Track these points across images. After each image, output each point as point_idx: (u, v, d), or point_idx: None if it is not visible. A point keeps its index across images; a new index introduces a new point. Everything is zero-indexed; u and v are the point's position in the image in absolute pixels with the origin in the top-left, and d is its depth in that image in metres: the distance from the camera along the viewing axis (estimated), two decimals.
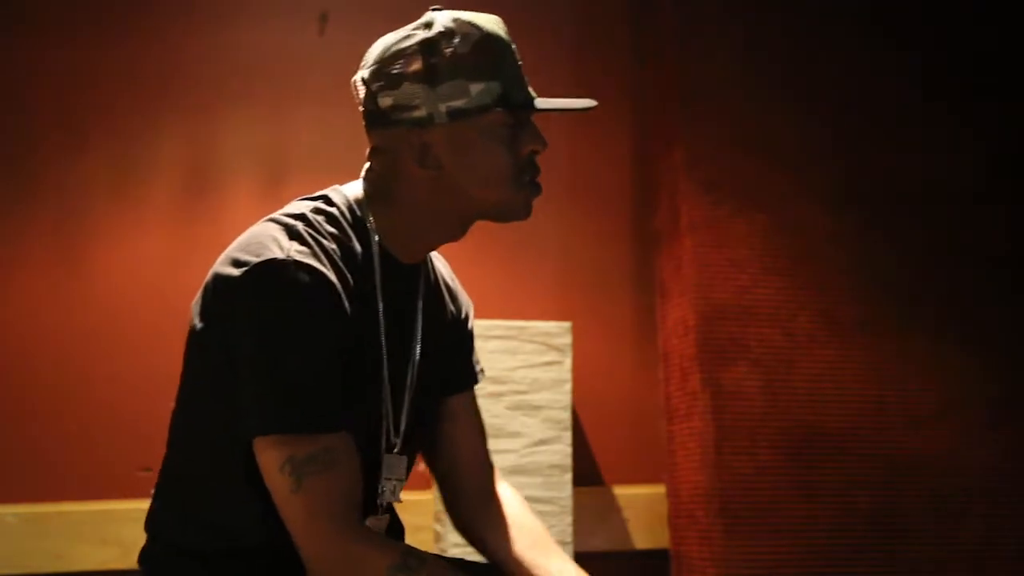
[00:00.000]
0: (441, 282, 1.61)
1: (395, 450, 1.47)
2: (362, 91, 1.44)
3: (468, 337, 1.65)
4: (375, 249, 1.43)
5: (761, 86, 2.97)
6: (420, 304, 1.51)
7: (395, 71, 1.40)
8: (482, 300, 2.94)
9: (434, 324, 1.54)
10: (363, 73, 1.44)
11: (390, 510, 1.52)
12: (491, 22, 1.43)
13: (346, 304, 1.36)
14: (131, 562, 2.59)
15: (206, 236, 2.85)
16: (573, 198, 3.07)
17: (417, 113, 1.39)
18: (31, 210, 2.79)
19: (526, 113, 1.45)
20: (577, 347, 2.81)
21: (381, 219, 1.44)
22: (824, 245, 2.93)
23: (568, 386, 2.74)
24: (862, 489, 2.80)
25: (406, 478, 1.53)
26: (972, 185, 3.05)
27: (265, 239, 1.35)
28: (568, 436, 2.71)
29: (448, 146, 1.40)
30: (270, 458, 1.31)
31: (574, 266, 3.06)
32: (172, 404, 1.47)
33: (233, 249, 1.38)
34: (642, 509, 2.95)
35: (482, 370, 1.68)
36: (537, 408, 2.70)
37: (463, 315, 1.64)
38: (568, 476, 2.70)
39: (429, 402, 1.56)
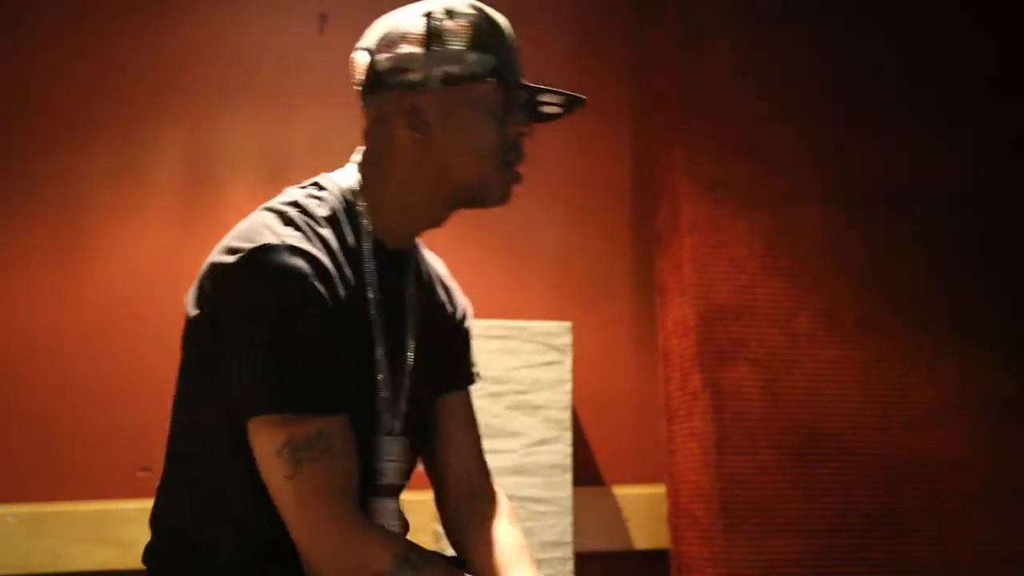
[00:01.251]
0: (435, 277, 1.62)
1: (394, 432, 1.47)
2: (362, 61, 1.46)
3: (465, 337, 1.66)
4: (365, 233, 1.45)
5: (761, 86, 2.97)
6: (411, 290, 1.52)
7: (395, 36, 1.44)
8: (482, 300, 2.94)
9: (426, 313, 1.55)
10: (363, 42, 1.47)
11: (394, 494, 1.51)
12: (498, 13, 1.48)
13: (339, 288, 1.37)
14: (131, 562, 2.61)
15: (206, 235, 2.83)
16: (573, 198, 3.08)
17: (412, 76, 1.42)
18: (30, 209, 2.79)
19: (518, 95, 1.48)
20: (577, 347, 2.81)
21: (371, 201, 1.46)
22: (824, 245, 2.93)
23: (568, 386, 2.74)
24: (862, 489, 2.80)
25: (412, 463, 1.53)
26: (972, 185, 3.05)
27: (259, 227, 1.37)
28: (568, 436, 2.71)
29: (439, 111, 1.43)
30: (266, 441, 1.30)
31: (574, 266, 3.06)
32: (172, 397, 1.47)
33: (228, 238, 1.39)
34: (642, 509, 2.95)
35: (478, 373, 1.68)
36: (537, 408, 2.70)
37: (460, 314, 1.65)
38: (568, 476, 2.70)
39: (428, 392, 1.56)
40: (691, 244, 2.85)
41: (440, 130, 1.43)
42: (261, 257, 1.32)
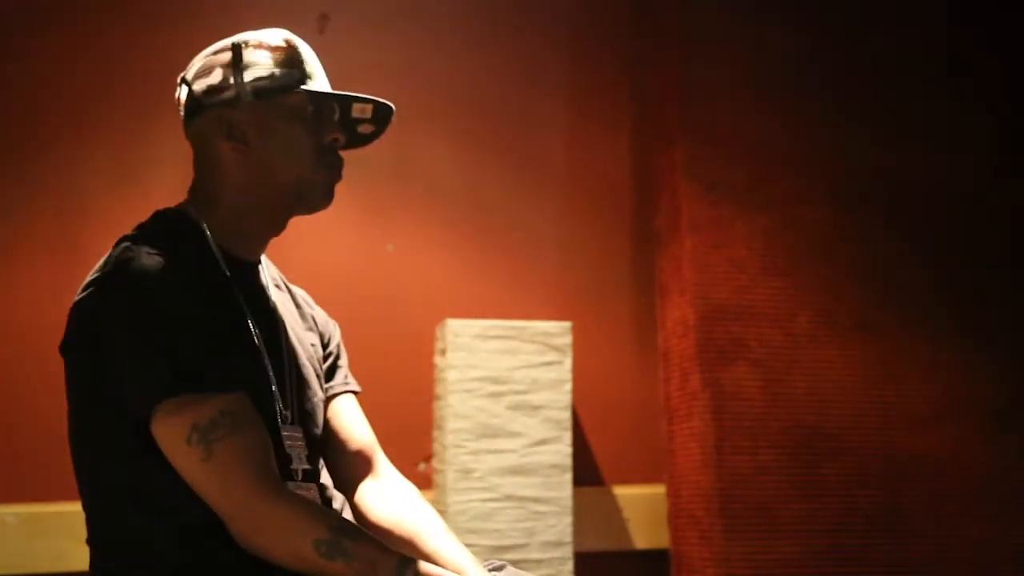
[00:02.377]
0: (300, 297, 1.69)
1: (288, 421, 1.50)
2: (183, 93, 1.57)
3: (338, 355, 1.71)
4: (213, 246, 1.50)
5: (761, 87, 2.97)
6: (270, 294, 1.57)
7: (208, 64, 1.55)
8: (482, 300, 2.96)
9: (292, 316, 1.61)
10: (184, 74, 1.58)
11: (313, 479, 1.53)
12: (302, 42, 1.60)
13: (203, 286, 1.43)
14: None
15: None
16: (573, 198, 3.08)
17: (226, 94, 1.52)
18: (31, 211, 2.79)
19: (328, 107, 1.57)
20: (577, 347, 2.80)
21: (211, 220, 1.53)
22: (824, 245, 2.93)
23: (568, 386, 2.74)
24: (862, 489, 2.80)
25: (314, 453, 1.55)
26: (972, 185, 3.05)
27: (112, 256, 1.43)
28: (568, 436, 2.71)
29: (254, 123, 1.51)
30: (173, 431, 1.32)
31: (574, 266, 3.06)
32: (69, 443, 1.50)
33: (87, 277, 1.46)
34: (642, 509, 2.95)
35: (356, 385, 1.72)
36: (537, 408, 2.70)
37: (327, 336, 1.70)
38: (568, 476, 2.70)
39: (314, 387, 1.59)
40: (691, 244, 2.85)
41: (258, 139, 1.51)
42: (120, 273, 1.38)
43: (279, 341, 1.54)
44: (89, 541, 1.51)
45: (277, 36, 1.59)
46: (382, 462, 1.68)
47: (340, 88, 1.62)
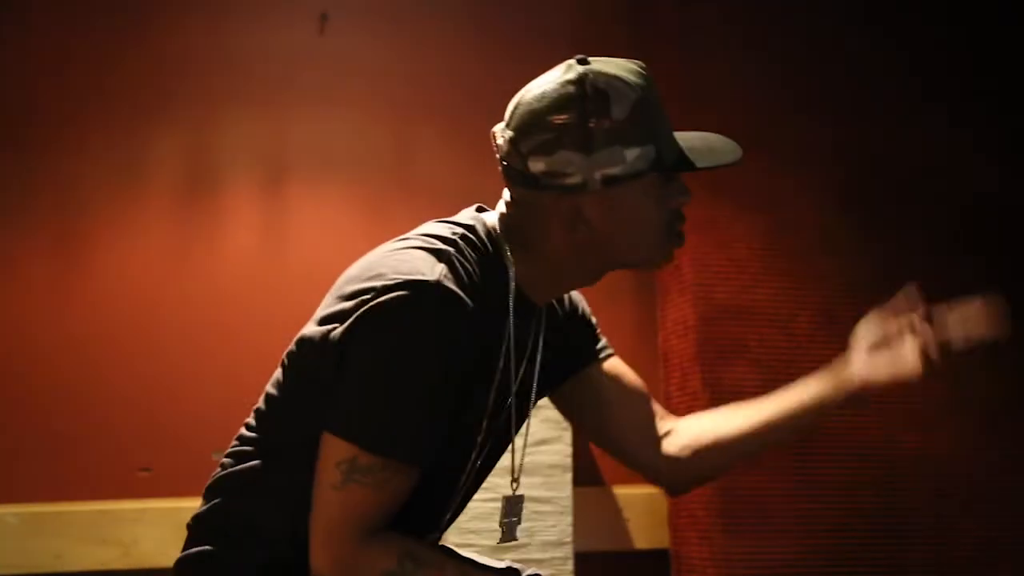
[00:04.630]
0: (555, 302, 1.60)
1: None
2: (507, 147, 1.42)
3: (588, 324, 1.67)
4: (512, 288, 1.44)
5: (761, 87, 2.97)
6: (541, 345, 1.52)
7: (549, 136, 1.38)
8: None
9: (548, 359, 1.55)
10: (510, 132, 1.42)
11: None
12: (637, 75, 1.42)
13: (476, 342, 1.36)
14: (131, 562, 2.61)
15: (205, 236, 2.85)
16: None
17: (571, 180, 1.37)
18: (31, 212, 2.79)
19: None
20: None
21: (518, 259, 1.45)
22: (824, 245, 2.93)
23: None
24: (862, 489, 2.80)
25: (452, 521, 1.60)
26: (972, 185, 3.05)
27: (416, 260, 1.36)
28: (568, 436, 2.71)
29: (600, 210, 1.40)
30: (334, 450, 1.31)
31: None
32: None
33: (379, 263, 1.38)
34: (642, 509, 2.95)
35: (610, 351, 1.69)
36: (537, 408, 2.68)
37: (579, 312, 1.66)
38: (568, 476, 2.70)
39: (497, 459, 1.60)
40: (691, 244, 2.85)
41: (602, 227, 1.41)
42: (413, 289, 1.31)
43: (501, 416, 1.50)
44: (217, 483, 1.47)
45: (624, 98, 1.38)
46: (661, 415, 1.68)
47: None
